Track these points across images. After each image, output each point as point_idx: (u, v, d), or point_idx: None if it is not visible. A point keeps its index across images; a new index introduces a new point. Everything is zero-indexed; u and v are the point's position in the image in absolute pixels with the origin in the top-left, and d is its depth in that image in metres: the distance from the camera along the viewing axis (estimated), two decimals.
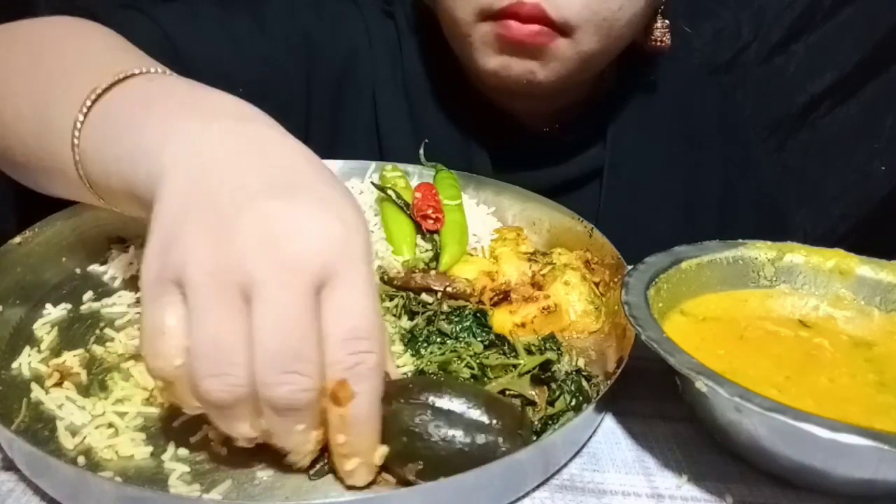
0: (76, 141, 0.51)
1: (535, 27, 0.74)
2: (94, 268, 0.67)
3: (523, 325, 0.61)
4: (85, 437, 0.47)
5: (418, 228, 0.71)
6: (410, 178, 0.80)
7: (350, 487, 0.44)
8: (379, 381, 0.42)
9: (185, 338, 0.39)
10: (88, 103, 0.51)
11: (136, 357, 0.55)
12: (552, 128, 0.94)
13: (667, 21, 0.88)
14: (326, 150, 0.78)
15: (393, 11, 0.95)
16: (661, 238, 0.63)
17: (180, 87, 0.51)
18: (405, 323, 0.62)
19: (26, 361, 0.54)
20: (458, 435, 0.43)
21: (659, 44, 0.89)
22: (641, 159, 0.95)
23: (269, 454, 0.45)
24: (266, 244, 0.39)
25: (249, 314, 0.39)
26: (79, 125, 0.51)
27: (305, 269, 0.39)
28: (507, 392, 0.53)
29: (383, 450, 0.43)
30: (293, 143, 0.46)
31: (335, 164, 0.83)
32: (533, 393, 0.54)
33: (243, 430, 0.42)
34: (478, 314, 0.62)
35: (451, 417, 0.44)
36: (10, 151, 0.60)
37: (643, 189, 0.94)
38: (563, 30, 0.75)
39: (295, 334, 0.39)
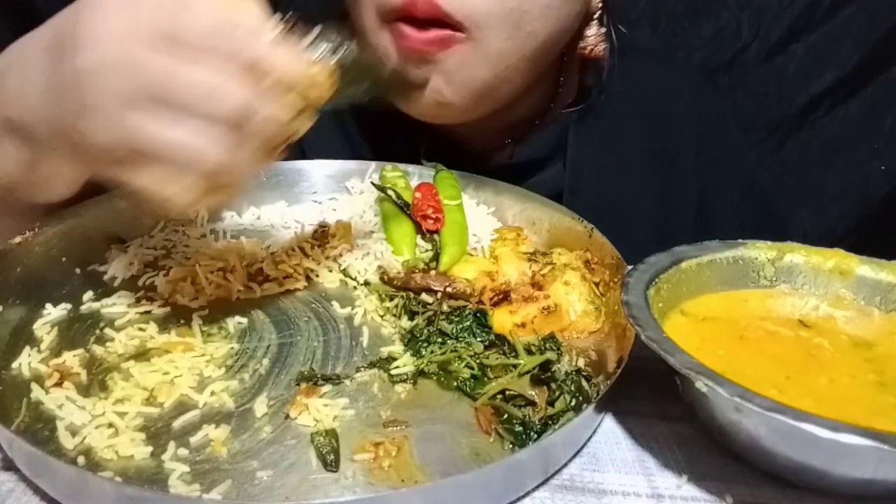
0: None
1: (431, 33, 0.69)
2: (94, 268, 0.67)
3: (523, 325, 0.61)
4: (85, 437, 0.47)
5: (418, 228, 0.71)
6: (410, 178, 0.80)
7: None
8: (265, 42, 0.47)
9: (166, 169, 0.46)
10: None
11: (136, 357, 0.55)
12: (503, 146, 0.89)
13: (603, 29, 0.82)
14: None
15: None
16: (629, 261, 0.61)
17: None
18: (405, 323, 0.62)
19: (26, 361, 0.54)
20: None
21: (590, 53, 0.83)
22: (606, 181, 0.90)
23: (268, 455, 0.45)
24: (101, 76, 0.45)
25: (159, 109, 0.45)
26: None
27: (136, 51, 0.45)
28: (508, 392, 0.53)
29: (324, 66, 0.50)
30: (56, 17, 0.50)
31: (335, 165, 0.83)
32: (533, 393, 0.54)
33: (258, 160, 0.49)
34: (478, 314, 0.62)
35: None
36: None
37: (608, 213, 0.83)
38: (464, 28, 0.69)
39: (185, 87, 0.45)
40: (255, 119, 0.47)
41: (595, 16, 0.82)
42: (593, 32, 0.82)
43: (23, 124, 0.52)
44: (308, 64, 0.49)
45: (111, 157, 0.47)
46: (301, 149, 0.90)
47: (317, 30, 0.51)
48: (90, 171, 0.53)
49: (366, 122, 0.90)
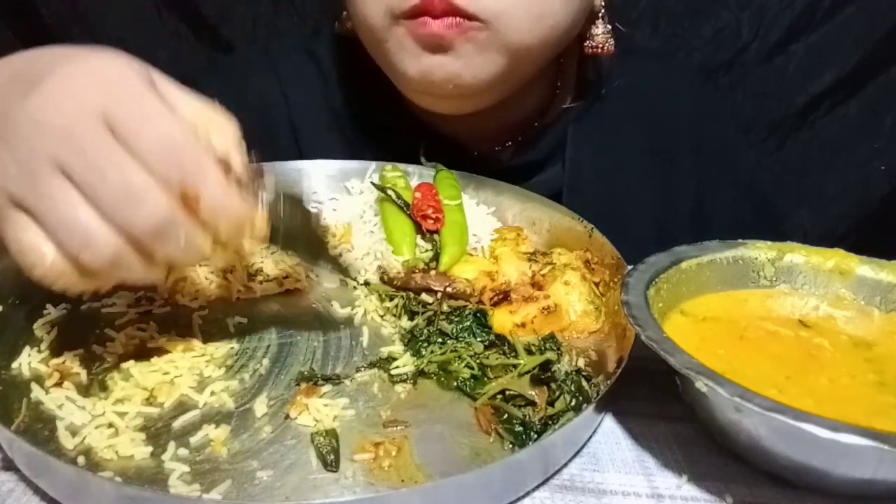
0: None
1: (449, 19, 0.69)
2: None
3: (523, 325, 0.61)
4: (85, 437, 0.47)
5: (418, 228, 0.71)
6: (410, 178, 0.80)
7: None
8: (214, 174, 0.45)
9: (45, 239, 0.44)
10: None
11: (136, 357, 0.55)
12: (504, 148, 0.89)
13: (609, 27, 0.83)
14: None
15: (315, 48, 0.92)
16: (629, 260, 0.61)
17: None
18: (405, 323, 0.62)
19: (26, 361, 0.54)
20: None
21: (599, 50, 0.83)
22: (605, 180, 0.90)
23: (268, 455, 0.45)
24: (40, 125, 0.43)
25: (75, 185, 0.43)
26: None
27: (82, 121, 0.43)
28: (508, 392, 0.53)
29: (261, 219, 0.48)
30: (39, 50, 0.49)
31: (334, 165, 0.83)
32: (533, 393, 0.54)
33: (150, 274, 0.46)
34: (478, 314, 0.62)
35: None
36: None
37: (607, 212, 0.85)
38: (481, 19, 0.70)
39: (110, 175, 0.43)
40: (167, 240, 0.45)
41: (599, 14, 0.82)
42: (601, 31, 0.83)
43: None
44: (248, 209, 0.48)
45: (3, 198, 0.45)
46: (298, 149, 0.90)
47: (269, 177, 0.51)
48: None
49: (366, 123, 0.90)
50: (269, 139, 0.90)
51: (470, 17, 0.69)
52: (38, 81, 0.45)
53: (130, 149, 0.43)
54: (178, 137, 0.45)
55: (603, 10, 0.82)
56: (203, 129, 0.47)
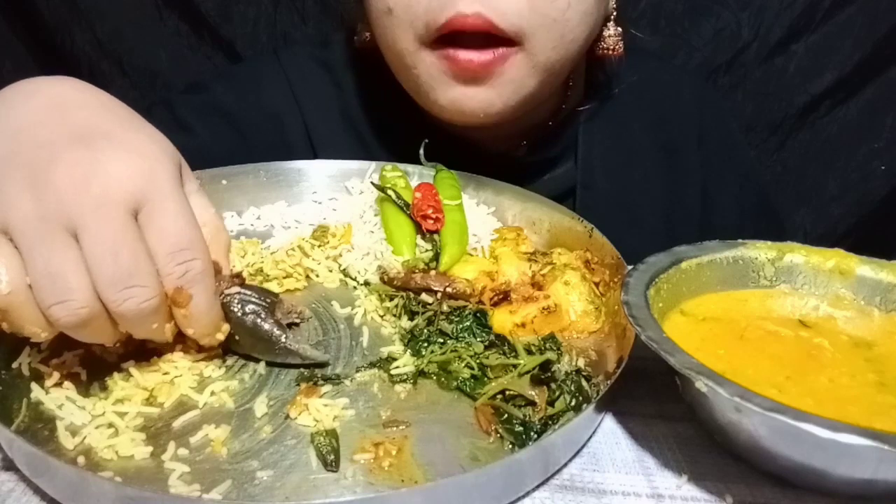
0: None
1: (489, 55, 0.69)
2: None
3: (523, 325, 0.61)
4: (85, 437, 0.47)
5: (418, 228, 0.71)
6: (410, 178, 0.80)
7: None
8: (209, 280, 0.50)
9: (21, 275, 0.45)
10: None
11: (136, 357, 0.55)
12: (517, 147, 0.90)
13: (619, 29, 0.84)
14: None
15: (326, 58, 0.93)
16: (640, 253, 0.61)
17: None
18: (405, 323, 0.62)
19: (26, 361, 0.54)
20: (251, 317, 0.55)
21: (611, 52, 0.84)
22: (616, 175, 0.92)
23: (268, 455, 0.45)
24: (77, 187, 0.45)
25: (79, 247, 0.45)
26: None
27: (117, 201, 0.46)
28: (508, 392, 0.53)
29: (225, 327, 0.54)
30: (91, 96, 0.52)
31: (334, 165, 0.83)
32: (533, 393, 0.54)
33: (105, 338, 0.49)
34: (478, 314, 0.62)
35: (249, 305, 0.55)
36: None
37: (619, 206, 0.89)
38: (514, 40, 0.70)
39: (124, 256, 0.45)
40: (144, 324, 0.48)
41: (611, 17, 0.84)
42: (611, 33, 0.84)
43: None
44: (220, 317, 0.53)
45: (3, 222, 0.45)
46: (311, 147, 0.90)
47: (261, 294, 0.56)
48: None
49: (380, 127, 0.90)
50: (284, 146, 0.90)
51: (505, 36, 0.69)
52: (91, 143, 0.47)
53: (149, 239, 0.47)
54: (196, 244, 0.49)
55: (615, 13, 0.83)
56: (207, 232, 0.51)
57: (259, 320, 0.55)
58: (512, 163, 0.89)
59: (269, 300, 0.56)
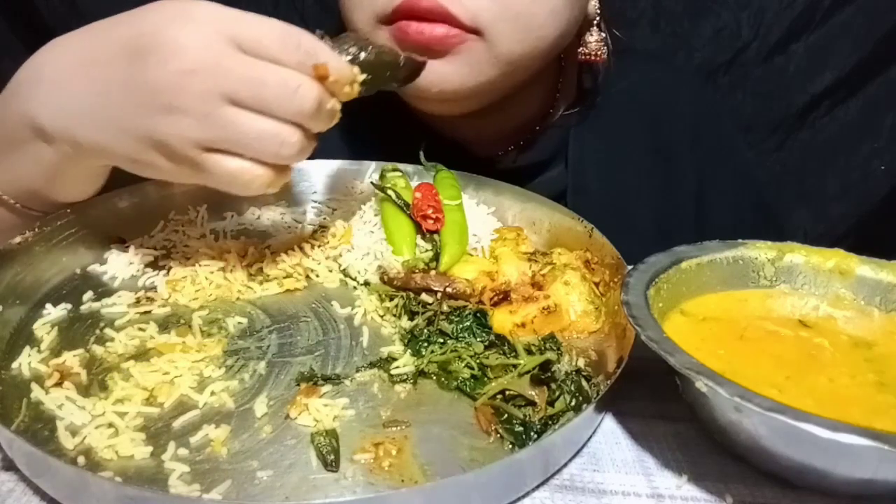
0: None
1: (442, 28, 0.69)
2: (94, 268, 0.67)
3: (523, 325, 0.61)
4: (85, 437, 0.47)
5: (418, 228, 0.71)
6: (410, 178, 0.80)
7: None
8: (324, 45, 0.57)
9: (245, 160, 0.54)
10: None
11: (136, 357, 0.55)
12: (505, 151, 0.90)
13: (603, 34, 0.83)
14: None
15: None
16: (633, 257, 0.61)
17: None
18: (405, 323, 0.62)
19: (26, 361, 0.54)
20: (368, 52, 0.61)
21: (593, 57, 0.84)
22: (607, 179, 0.91)
23: (268, 455, 0.45)
24: (193, 75, 0.51)
25: (242, 105, 0.52)
26: None
27: (224, 54, 0.51)
28: (508, 392, 0.53)
29: (357, 70, 0.59)
30: (116, 22, 0.56)
31: (334, 165, 0.83)
32: (533, 393, 0.54)
33: (309, 150, 0.58)
34: (478, 314, 0.62)
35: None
36: None
37: (611, 209, 0.86)
38: (473, 30, 0.70)
39: (270, 78, 0.52)
40: (322, 112, 0.56)
41: (594, 22, 0.83)
42: (594, 38, 0.83)
43: (58, 131, 0.57)
44: (348, 65, 0.58)
45: (193, 149, 0.53)
46: None
47: (343, 37, 0.60)
48: (153, 167, 0.57)
49: (370, 126, 0.90)
50: None
51: (464, 26, 0.69)
52: (157, 44, 0.51)
53: (263, 55, 0.52)
54: (289, 28, 0.54)
55: (598, 18, 0.82)
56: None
57: (374, 49, 0.60)
58: (502, 166, 0.89)
59: (358, 38, 0.61)
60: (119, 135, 0.55)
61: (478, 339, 0.60)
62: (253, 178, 0.55)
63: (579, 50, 0.84)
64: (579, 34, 0.83)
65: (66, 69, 0.56)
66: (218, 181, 0.56)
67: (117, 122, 0.54)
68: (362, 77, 0.59)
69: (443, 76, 0.72)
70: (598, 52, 0.83)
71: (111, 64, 0.54)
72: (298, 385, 0.54)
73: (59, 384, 0.52)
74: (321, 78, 0.55)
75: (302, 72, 0.54)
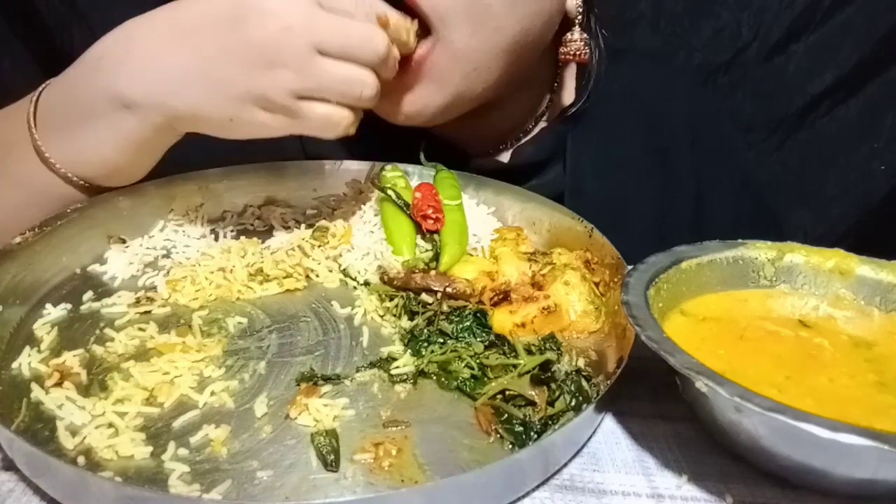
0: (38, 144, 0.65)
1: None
2: (94, 268, 0.67)
3: (523, 325, 0.61)
4: (85, 437, 0.47)
5: (418, 228, 0.71)
6: (410, 178, 0.80)
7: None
8: (382, 2, 0.64)
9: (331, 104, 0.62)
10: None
11: (136, 357, 0.55)
12: (503, 150, 0.90)
13: (585, 35, 0.82)
14: None
15: None
16: (632, 258, 0.61)
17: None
18: (405, 323, 0.62)
19: (26, 361, 0.54)
20: None
21: (574, 58, 0.83)
22: (605, 180, 0.91)
23: (268, 455, 0.45)
24: (290, 32, 0.58)
25: (327, 54, 0.60)
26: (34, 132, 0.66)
27: (311, 13, 0.58)
28: (508, 392, 0.53)
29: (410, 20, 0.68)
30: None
31: (335, 165, 0.83)
32: (533, 393, 0.54)
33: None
34: (478, 314, 0.62)
35: None
36: None
37: (608, 210, 0.84)
38: (430, 23, 0.69)
39: (350, 31, 0.60)
40: (390, 58, 0.63)
41: (577, 20, 0.81)
42: (576, 38, 0.82)
43: (153, 102, 0.62)
44: (404, 14, 0.66)
45: (290, 98, 0.59)
46: (303, 148, 0.90)
47: None
48: (253, 122, 0.62)
49: (368, 126, 0.90)
50: (274, 142, 0.90)
51: (416, 15, 0.69)
52: (253, 9, 0.58)
53: (339, 10, 0.60)
54: None
55: (580, 17, 0.81)
56: None
57: None
58: (498, 166, 0.89)
59: None
60: (219, 97, 0.60)
61: (478, 339, 0.60)
62: (340, 118, 0.62)
63: (560, 49, 0.83)
64: (562, 33, 0.83)
65: (159, 42, 0.61)
66: (311, 126, 0.62)
67: (218, 85, 0.60)
68: (415, 26, 0.67)
69: (420, 95, 0.74)
70: (580, 53, 0.83)
71: (209, 32, 0.59)
72: (298, 385, 0.54)
73: (59, 384, 0.52)
74: (383, 26, 0.62)
75: (371, 22, 0.61)
